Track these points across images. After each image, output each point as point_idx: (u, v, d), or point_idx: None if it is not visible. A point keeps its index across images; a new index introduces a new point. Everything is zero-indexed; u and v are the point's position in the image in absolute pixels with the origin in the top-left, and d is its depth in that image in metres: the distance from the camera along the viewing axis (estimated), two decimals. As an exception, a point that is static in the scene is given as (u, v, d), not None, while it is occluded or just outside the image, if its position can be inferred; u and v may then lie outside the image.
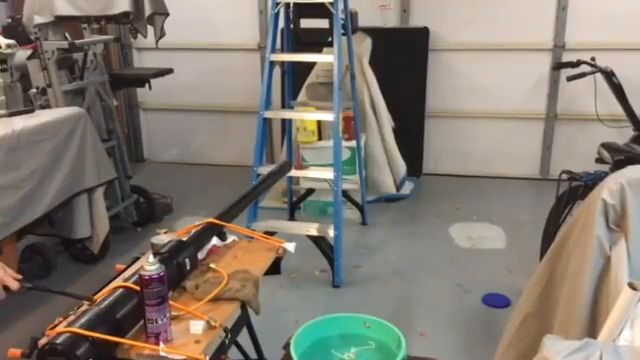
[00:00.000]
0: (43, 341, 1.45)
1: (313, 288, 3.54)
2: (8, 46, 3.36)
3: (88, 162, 3.55)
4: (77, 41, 3.77)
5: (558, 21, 5.06)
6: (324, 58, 3.79)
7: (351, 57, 4.04)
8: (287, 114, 4.16)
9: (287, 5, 3.71)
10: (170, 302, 1.61)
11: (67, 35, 3.88)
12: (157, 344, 1.53)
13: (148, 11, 3.79)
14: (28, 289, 1.60)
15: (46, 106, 3.63)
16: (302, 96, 4.68)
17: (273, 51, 3.65)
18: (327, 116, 3.61)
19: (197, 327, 1.62)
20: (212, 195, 4.82)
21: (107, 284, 1.82)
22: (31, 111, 3.39)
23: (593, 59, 3.93)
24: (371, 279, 3.64)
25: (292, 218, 4.45)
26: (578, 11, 5.00)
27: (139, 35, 4.02)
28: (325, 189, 4.08)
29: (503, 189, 5.23)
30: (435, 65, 5.31)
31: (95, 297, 1.65)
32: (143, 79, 4.53)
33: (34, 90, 3.63)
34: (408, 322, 3.08)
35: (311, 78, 4.68)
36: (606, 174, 2.65)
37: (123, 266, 2.03)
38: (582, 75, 3.90)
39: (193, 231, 2.06)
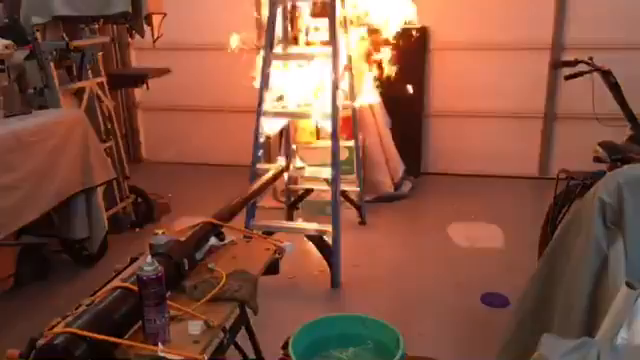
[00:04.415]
0: (41, 341, 1.44)
1: (311, 288, 3.54)
2: (5, 47, 3.35)
3: (86, 163, 3.54)
4: (74, 41, 3.77)
5: (557, 20, 5.07)
6: (322, 58, 3.79)
7: (349, 57, 4.04)
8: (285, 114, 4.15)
9: (285, 5, 3.72)
10: (168, 302, 1.61)
11: (65, 35, 3.87)
12: (155, 344, 1.53)
13: (145, 11, 3.79)
14: None
15: (44, 107, 3.62)
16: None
17: (271, 51, 3.65)
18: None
19: (195, 327, 1.62)
20: (210, 195, 4.80)
21: (105, 284, 1.82)
22: (28, 112, 3.38)
23: (591, 58, 3.93)
24: (369, 279, 3.64)
25: (290, 218, 4.45)
26: (577, 11, 5.00)
27: (137, 35, 4.02)
28: (323, 189, 4.09)
29: (501, 188, 5.24)
30: (434, 64, 5.31)
31: (93, 297, 1.65)
32: (141, 79, 4.52)
33: (31, 91, 3.62)
34: (406, 322, 3.07)
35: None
36: (604, 173, 2.65)
37: (121, 266, 2.03)
38: (580, 74, 3.89)
39: (191, 231, 2.06)
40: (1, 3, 3.84)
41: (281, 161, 3.80)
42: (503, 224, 4.36)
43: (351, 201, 4.47)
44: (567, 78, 3.93)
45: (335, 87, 3.49)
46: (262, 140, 3.75)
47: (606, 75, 3.77)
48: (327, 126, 3.58)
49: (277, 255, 2.16)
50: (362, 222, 4.47)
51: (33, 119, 3.29)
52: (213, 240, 2.14)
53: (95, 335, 1.44)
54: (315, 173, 3.90)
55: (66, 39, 3.74)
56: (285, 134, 4.41)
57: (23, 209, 3.09)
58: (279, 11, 3.70)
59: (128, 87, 5.64)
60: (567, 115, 5.25)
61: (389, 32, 4.38)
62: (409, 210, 4.76)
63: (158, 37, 4.02)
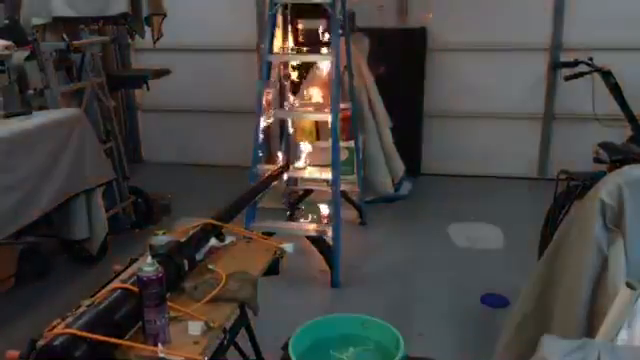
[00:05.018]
0: (41, 342, 1.44)
1: (312, 288, 3.54)
2: (5, 47, 3.35)
3: (86, 163, 3.54)
4: (74, 42, 3.77)
5: (555, 21, 5.07)
6: (322, 58, 3.80)
7: (349, 57, 4.04)
8: (285, 114, 4.16)
9: (285, 6, 3.72)
10: (168, 303, 1.61)
11: (65, 36, 3.88)
12: (155, 345, 1.53)
13: (146, 12, 3.79)
14: None
15: (43, 107, 3.62)
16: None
17: (270, 52, 3.65)
18: (325, 116, 3.62)
19: (195, 328, 1.62)
20: (210, 196, 4.80)
21: (105, 285, 1.82)
22: (28, 112, 3.38)
23: (591, 59, 3.94)
24: (369, 279, 3.64)
25: (291, 219, 4.45)
26: (575, 11, 5.01)
27: (137, 36, 4.02)
28: (323, 189, 4.09)
29: (501, 189, 5.24)
30: (433, 65, 5.32)
31: (93, 298, 1.65)
32: (141, 80, 4.52)
33: (31, 91, 3.62)
34: (407, 322, 3.08)
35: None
36: (604, 174, 2.65)
37: (121, 267, 2.03)
38: (580, 75, 3.90)
39: (191, 232, 2.06)
40: (1, 3, 3.84)
41: (281, 162, 3.81)
42: (503, 225, 4.36)
43: (351, 201, 4.46)
44: (567, 79, 3.94)
45: (336, 87, 3.49)
46: (262, 140, 3.76)
47: (606, 75, 3.77)
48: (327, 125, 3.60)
49: (277, 256, 2.16)
50: (362, 222, 4.47)
51: (33, 120, 3.29)
52: (213, 241, 2.14)
53: (95, 336, 1.44)
54: (315, 173, 3.89)
55: (66, 40, 3.75)
56: (285, 134, 4.41)
57: (23, 210, 3.09)
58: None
59: (128, 88, 5.64)
60: (566, 116, 5.26)
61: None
62: (409, 210, 4.76)
63: (158, 38, 4.02)
